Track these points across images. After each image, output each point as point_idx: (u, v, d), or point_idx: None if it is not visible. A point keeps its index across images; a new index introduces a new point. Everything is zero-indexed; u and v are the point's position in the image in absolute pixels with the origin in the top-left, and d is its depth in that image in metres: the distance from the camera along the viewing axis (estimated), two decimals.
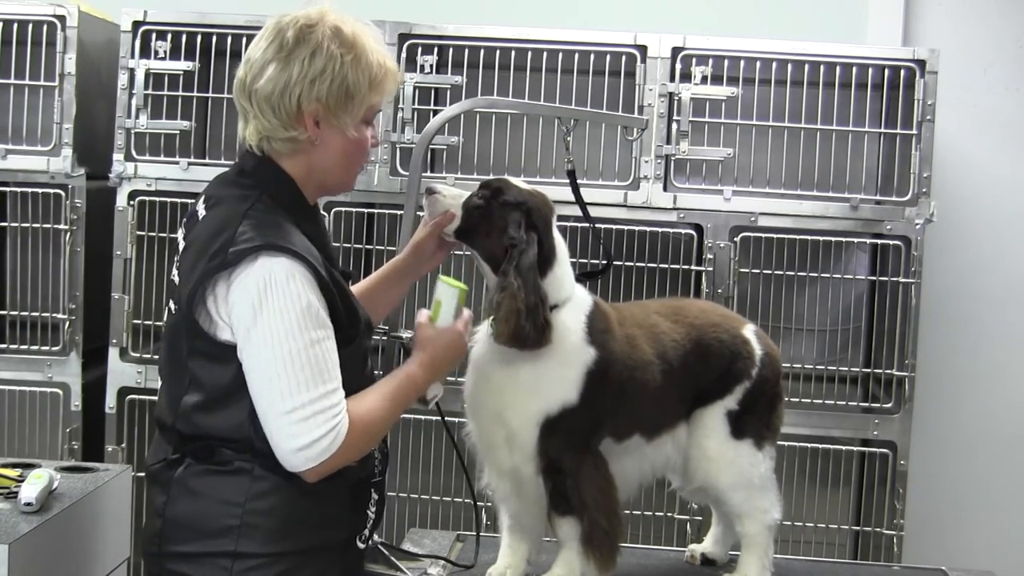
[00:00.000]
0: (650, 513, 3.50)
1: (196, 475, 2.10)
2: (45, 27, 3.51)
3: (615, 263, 3.46)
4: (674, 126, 3.44)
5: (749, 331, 2.58)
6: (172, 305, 2.15)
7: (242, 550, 2.07)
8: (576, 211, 2.67)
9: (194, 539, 2.09)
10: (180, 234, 2.20)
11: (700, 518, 3.44)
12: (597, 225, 3.34)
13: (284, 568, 2.09)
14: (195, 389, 2.10)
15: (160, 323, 2.91)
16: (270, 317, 2.01)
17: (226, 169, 2.25)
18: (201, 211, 2.15)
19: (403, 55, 3.47)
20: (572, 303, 2.37)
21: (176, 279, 2.15)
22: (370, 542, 2.32)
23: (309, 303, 2.04)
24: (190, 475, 2.11)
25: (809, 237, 3.47)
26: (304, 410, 2.01)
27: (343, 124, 2.12)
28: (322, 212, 3.46)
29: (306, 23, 2.11)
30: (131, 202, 3.52)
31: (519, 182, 2.39)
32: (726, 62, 3.46)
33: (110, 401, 3.55)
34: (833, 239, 3.47)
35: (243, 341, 2.04)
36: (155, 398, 3.41)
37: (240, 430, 2.07)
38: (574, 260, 3.16)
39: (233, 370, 2.06)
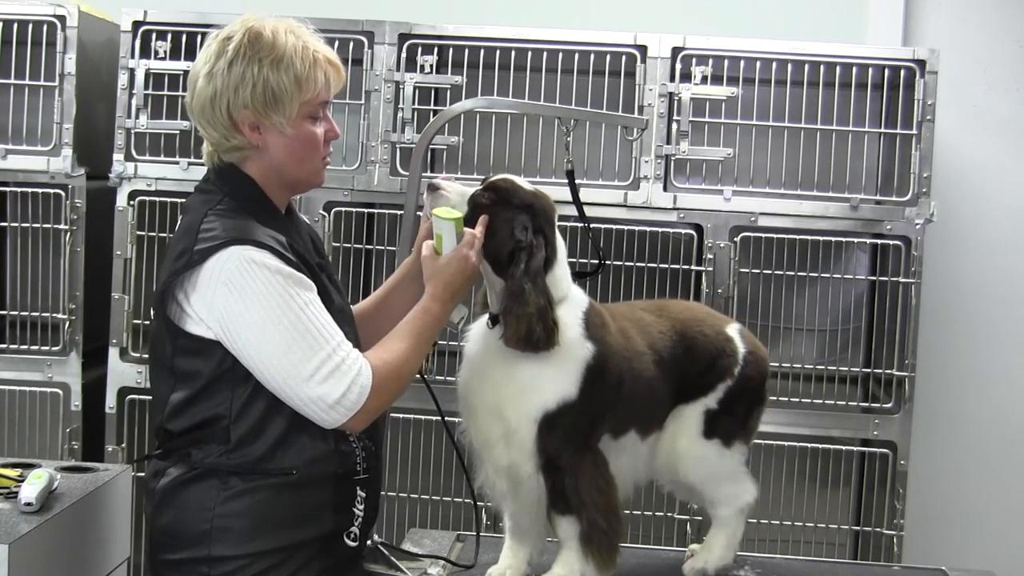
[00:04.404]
0: (650, 513, 3.50)
1: (175, 485, 2.16)
2: (45, 27, 3.51)
3: (616, 263, 3.46)
4: (674, 126, 3.44)
5: (733, 329, 2.59)
6: (152, 312, 2.21)
7: (216, 554, 2.12)
8: (575, 210, 2.67)
9: (176, 548, 2.16)
10: None
11: (700, 518, 3.44)
12: (592, 225, 3.36)
13: (263, 568, 2.13)
14: (182, 385, 2.15)
15: None
16: (258, 298, 2.06)
17: None
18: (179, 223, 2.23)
19: (403, 55, 3.47)
20: (569, 300, 2.38)
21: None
22: (369, 542, 2.32)
23: (289, 272, 2.09)
24: (170, 486, 2.16)
25: (809, 237, 3.47)
26: (324, 368, 2.07)
27: (278, 125, 2.16)
28: (321, 212, 3.46)
29: (226, 35, 2.17)
30: (131, 202, 3.53)
31: (523, 182, 2.39)
32: (726, 62, 3.46)
33: (110, 401, 3.55)
34: (833, 239, 3.47)
35: (238, 330, 2.07)
36: None
37: (220, 418, 2.12)
38: (572, 260, 3.17)
39: (215, 361, 2.11)
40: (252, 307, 2.05)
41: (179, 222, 2.20)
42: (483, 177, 2.42)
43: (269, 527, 2.12)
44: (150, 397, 3.46)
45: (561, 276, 2.38)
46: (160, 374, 2.19)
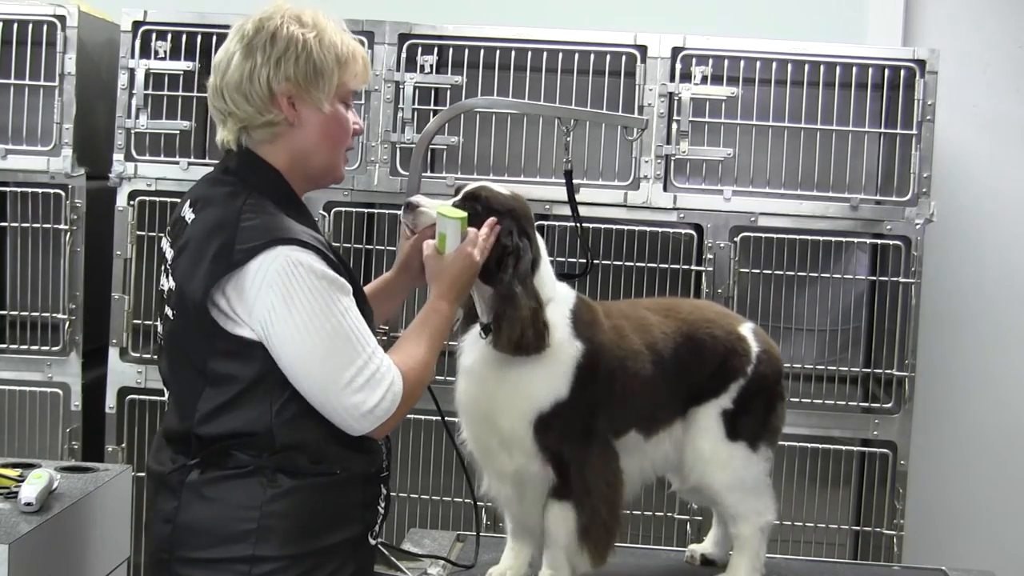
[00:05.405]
0: (650, 513, 3.50)
1: (210, 481, 2.08)
2: (45, 27, 3.52)
3: (616, 263, 3.47)
4: (674, 126, 3.44)
5: (746, 329, 2.58)
6: (170, 311, 2.13)
7: (260, 553, 2.06)
8: (580, 211, 2.68)
9: (209, 545, 2.08)
10: (166, 242, 2.18)
11: (700, 518, 3.44)
12: (593, 226, 3.35)
13: (303, 569, 2.08)
14: (216, 389, 2.07)
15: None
16: (302, 303, 2.02)
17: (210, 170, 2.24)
18: (188, 215, 2.14)
19: (403, 55, 3.47)
20: (555, 301, 2.38)
21: (170, 286, 2.12)
22: (380, 539, 2.32)
23: (332, 276, 2.06)
24: (203, 481, 2.09)
25: (809, 237, 3.47)
26: (360, 377, 2.05)
27: (317, 101, 2.13)
28: (321, 212, 3.47)
29: (263, 15, 2.15)
30: (131, 202, 3.53)
31: (499, 187, 2.39)
32: (726, 62, 3.46)
33: (110, 401, 3.55)
34: (833, 239, 3.47)
35: (279, 334, 2.02)
36: (155, 398, 3.48)
37: (262, 422, 2.06)
38: (572, 260, 3.18)
39: (257, 364, 2.05)
40: (296, 312, 2.01)
41: (200, 215, 2.11)
42: (455, 188, 2.41)
43: (312, 528, 2.09)
44: (150, 397, 3.51)
45: (547, 276, 2.39)
46: (187, 376, 2.11)
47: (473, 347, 2.41)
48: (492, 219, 2.31)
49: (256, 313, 2.03)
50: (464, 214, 2.28)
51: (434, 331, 2.21)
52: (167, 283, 2.14)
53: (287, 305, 2.02)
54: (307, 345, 2.02)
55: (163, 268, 2.16)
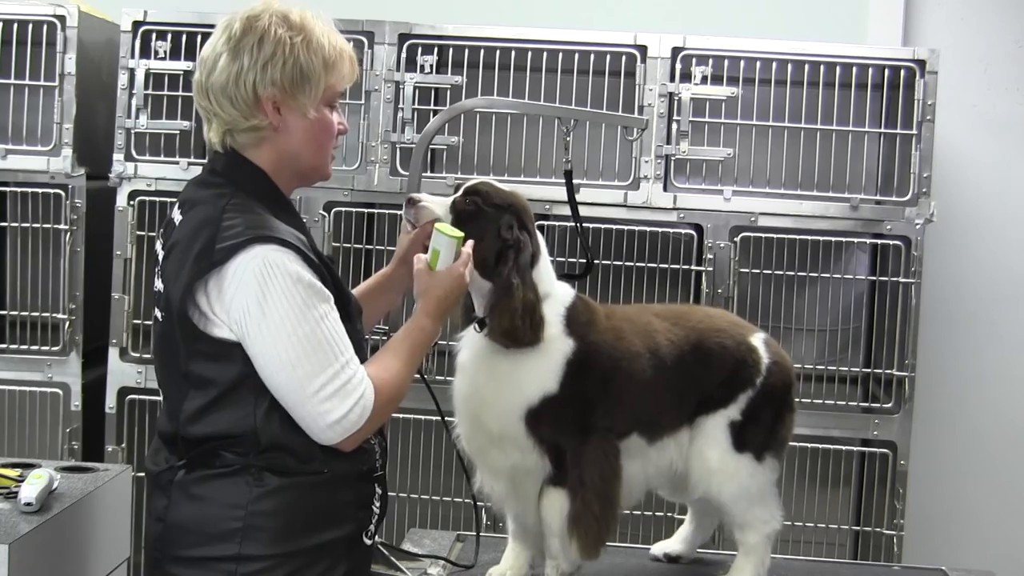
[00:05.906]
0: (650, 513, 3.50)
1: (198, 480, 2.09)
2: (45, 27, 3.52)
3: (616, 263, 3.47)
4: (674, 126, 3.44)
5: (758, 339, 2.57)
6: (159, 313, 2.14)
7: (246, 553, 2.06)
8: (580, 211, 2.68)
9: (197, 544, 2.09)
10: (158, 244, 2.19)
11: None
12: (593, 226, 3.35)
13: (291, 569, 2.08)
14: (199, 392, 2.08)
15: None
16: (277, 305, 2.01)
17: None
18: (177, 216, 2.15)
19: (403, 55, 3.47)
20: (552, 297, 2.39)
21: (160, 287, 2.13)
22: (375, 539, 2.32)
23: (310, 281, 2.05)
24: (191, 479, 2.10)
25: (809, 237, 3.47)
26: (329, 387, 2.04)
27: (302, 106, 2.13)
28: (321, 212, 3.47)
29: (251, 14, 2.13)
30: (131, 202, 3.53)
31: (498, 184, 2.40)
32: (726, 62, 3.46)
33: (110, 401, 3.55)
34: (833, 239, 3.47)
35: (253, 335, 2.03)
36: (155, 398, 3.48)
37: (245, 424, 2.07)
38: (573, 260, 3.18)
39: (237, 366, 2.05)
40: (269, 315, 2.01)
41: (187, 216, 2.12)
42: (455, 186, 2.42)
43: (300, 527, 2.09)
44: (150, 397, 3.51)
45: (545, 272, 2.40)
46: (174, 378, 2.12)
47: (470, 343, 2.42)
48: (471, 242, 2.29)
49: (233, 313, 2.03)
50: (461, 234, 2.28)
51: (413, 347, 2.20)
52: (158, 285, 2.15)
53: (261, 307, 2.02)
54: (278, 348, 2.02)
55: (156, 270, 2.17)
